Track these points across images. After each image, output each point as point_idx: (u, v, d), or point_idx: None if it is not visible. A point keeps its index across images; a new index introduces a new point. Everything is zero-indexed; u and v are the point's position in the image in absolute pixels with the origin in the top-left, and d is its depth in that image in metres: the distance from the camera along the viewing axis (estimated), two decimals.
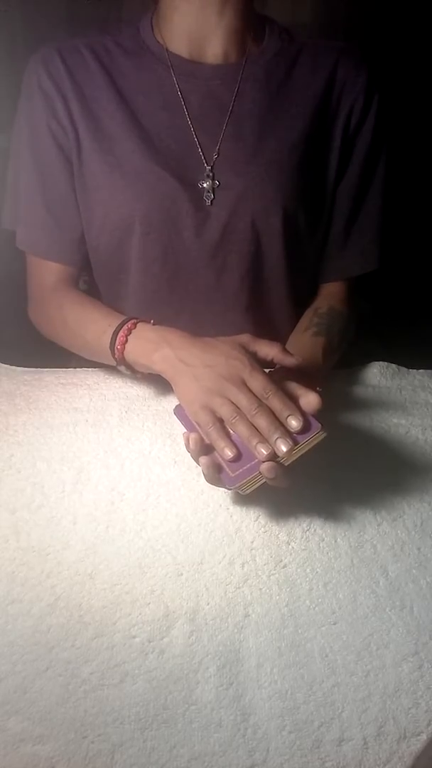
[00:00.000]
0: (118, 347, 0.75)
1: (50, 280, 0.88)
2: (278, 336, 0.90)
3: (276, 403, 0.63)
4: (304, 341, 0.83)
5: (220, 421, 0.64)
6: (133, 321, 0.76)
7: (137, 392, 0.82)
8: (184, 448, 0.72)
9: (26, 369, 0.87)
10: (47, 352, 0.89)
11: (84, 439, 0.74)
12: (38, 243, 0.86)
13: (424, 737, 0.51)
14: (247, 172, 0.80)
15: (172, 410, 0.75)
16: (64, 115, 0.81)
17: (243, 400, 0.63)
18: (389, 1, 1.40)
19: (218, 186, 0.80)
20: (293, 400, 0.65)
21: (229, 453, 0.62)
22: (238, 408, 0.63)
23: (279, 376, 0.74)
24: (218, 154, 0.81)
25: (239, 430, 0.63)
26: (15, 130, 0.85)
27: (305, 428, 0.62)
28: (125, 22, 0.86)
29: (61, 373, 0.86)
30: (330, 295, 0.91)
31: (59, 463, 0.71)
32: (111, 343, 0.76)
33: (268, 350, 0.68)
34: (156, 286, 0.84)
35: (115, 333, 0.76)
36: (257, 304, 0.87)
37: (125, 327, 0.75)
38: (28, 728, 0.50)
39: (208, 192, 0.80)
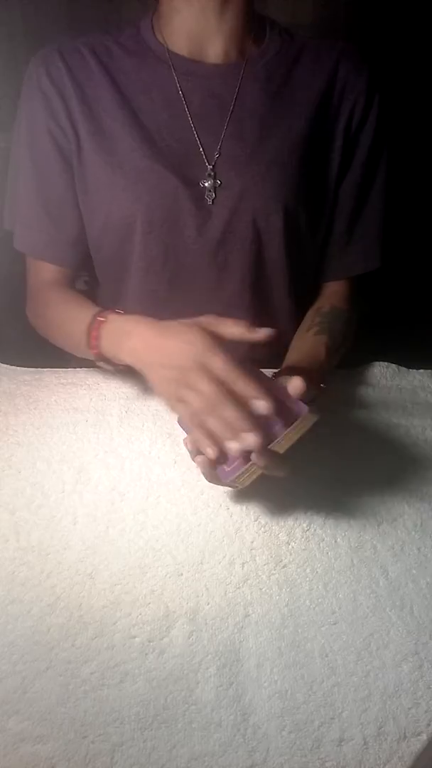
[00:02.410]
0: (93, 342, 0.74)
1: (44, 279, 0.88)
2: (280, 335, 0.90)
3: (240, 386, 0.60)
4: (307, 340, 0.83)
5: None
6: (102, 315, 0.74)
7: (137, 392, 0.82)
8: (183, 448, 0.72)
9: (26, 369, 0.87)
10: (47, 352, 0.89)
11: (84, 439, 0.74)
12: (35, 244, 0.87)
13: (424, 737, 0.51)
14: (248, 172, 0.80)
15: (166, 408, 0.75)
16: (64, 117, 0.81)
17: (206, 389, 0.60)
18: (389, 1, 1.40)
19: (219, 185, 0.80)
20: (280, 389, 0.63)
21: (210, 453, 0.60)
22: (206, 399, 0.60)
23: (283, 375, 0.74)
24: (219, 154, 0.81)
25: (211, 426, 0.60)
26: (15, 131, 0.86)
27: (288, 412, 0.61)
28: (125, 22, 0.86)
29: (61, 373, 0.86)
30: (332, 294, 0.92)
31: (59, 463, 0.71)
32: (87, 340, 0.75)
33: (234, 329, 0.64)
34: (157, 285, 0.84)
35: (88, 331, 0.74)
36: (258, 303, 0.87)
37: (95, 323, 0.74)
38: (28, 728, 0.50)
39: (210, 191, 0.80)
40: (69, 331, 0.81)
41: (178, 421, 0.73)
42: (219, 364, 0.61)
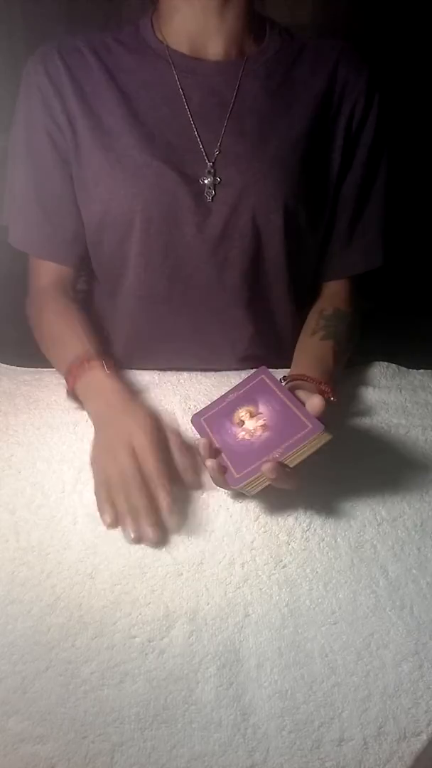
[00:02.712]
0: (70, 381, 0.77)
1: (44, 281, 0.88)
2: (279, 332, 0.90)
3: (149, 471, 0.65)
4: (313, 346, 0.84)
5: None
6: (87, 360, 0.77)
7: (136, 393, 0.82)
8: None
9: (26, 369, 0.87)
10: None
11: (84, 439, 0.74)
12: (31, 241, 0.87)
13: (424, 737, 0.51)
14: (248, 169, 0.80)
15: (170, 411, 0.76)
16: (61, 115, 0.81)
17: (129, 473, 0.65)
18: (389, 1, 1.39)
19: (219, 182, 0.80)
20: (298, 403, 0.65)
21: (107, 519, 0.64)
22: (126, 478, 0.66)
23: (292, 382, 0.75)
24: (219, 151, 0.81)
25: (117, 504, 0.65)
26: (13, 129, 0.86)
27: (303, 427, 0.62)
28: (126, 21, 0.86)
29: None
30: (334, 295, 0.92)
31: (59, 463, 0.71)
32: (66, 372, 0.78)
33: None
34: (156, 282, 0.84)
35: (70, 366, 0.78)
36: (258, 300, 0.87)
37: (79, 364, 0.77)
38: (28, 728, 0.50)
39: (209, 188, 0.80)
40: (52, 349, 0.85)
41: (191, 421, 0.73)
42: (142, 442, 0.67)
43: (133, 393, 0.79)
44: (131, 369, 0.85)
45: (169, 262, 0.83)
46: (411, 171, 1.17)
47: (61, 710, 0.51)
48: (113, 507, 0.65)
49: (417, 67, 1.42)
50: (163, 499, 0.64)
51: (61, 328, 0.84)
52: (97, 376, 0.77)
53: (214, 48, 0.82)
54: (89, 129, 0.80)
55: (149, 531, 0.62)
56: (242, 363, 0.89)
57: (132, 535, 0.62)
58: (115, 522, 0.64)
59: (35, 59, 0.82)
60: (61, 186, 0.84)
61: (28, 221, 0.86)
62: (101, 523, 0.65)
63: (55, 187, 0.84)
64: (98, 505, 0.66)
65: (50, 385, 0.83)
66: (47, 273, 0.88)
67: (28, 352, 0.90)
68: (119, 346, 0.90)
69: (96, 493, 0.67)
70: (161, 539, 0.62)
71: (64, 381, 0.83)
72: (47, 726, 0.51)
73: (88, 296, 0.95)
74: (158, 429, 0.70)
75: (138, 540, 0.62)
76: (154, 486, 0.65)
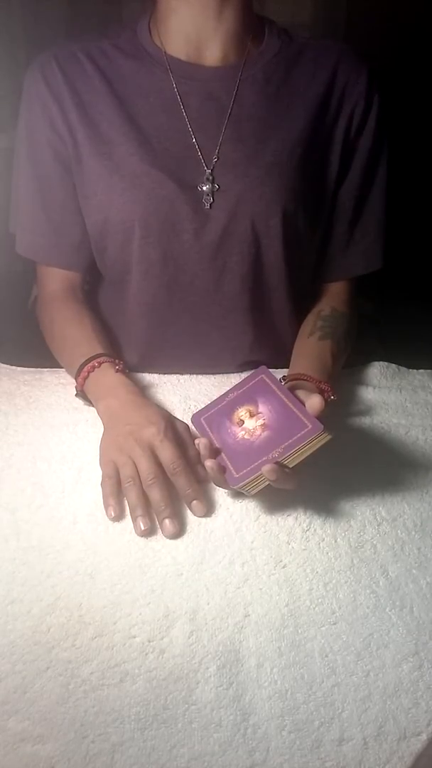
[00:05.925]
0: (80, 380, 0.78)
1: (53, 287, 0.89)
2: (279, 337, 0.90)
3: (181, 481, 0.66)
4: (311, 346, 0.84)
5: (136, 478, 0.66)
6: (98, 360, 0.78)
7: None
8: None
9: (26, 369, 0.87)
10: (47, 352, 0.89)
11: (84, 439, 0.74)
12: (38, 249, 0.87)
13: (424, 737, 0.51)
14: (247, 175, 0.80)
15: (171, 411, 0.76)
16: (62, 124, 0.81)
17: (143, 466, 0.66)
18: (389, 1, 1.39)
19: (218, 189, 0.80)
20: (297, 402, 0.65)
21: (111, 513, 0.65)
22: (137, 472, 0.66)
23: (291, 382, 0.75)
24: (218, 158, 0.80)
25: (129, 497, 0.66)
26: (16, 137, 0.86)
27: (303, 427, 0.62)
28: (125, 22, 0.86)
29: (61, 373, 0.86)
30: (332, 296, 0.91)
31: (59, 463, 0.71)
32: (77, 373, 0.79)
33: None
34: (156, 288, 0.84)
35: (81, 366, 0.79)
36: (258, 306, 0.87)
37: (90, 364, 0.78)
38: (28, 728, 0.50)
39: (207, 195, 0.80)
40: (62, 351, 0.86)
41: (192, 420, 0.74)
42: (167, 453, 0.67)
43: (144, 391, 0.79)
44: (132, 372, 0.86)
45: (169, 270, 0.83)
46: (411, 172, 1.17)
47: (61, 710, 0.51)
48: (118, 501, 0.66)
49: (417, 68, 1.42)
50: (195, 488, 0.66)
51: (73, 331, 0.85)
52: (108, 375, 0.78)
53: (212, 51, 0.81)
54: (88, 138, 0.81)
55: (167, 523, 0.63)
56: (242, 368, 0.89)
57: (142, 527, 0.63)
58: (119, 516, 0.65)
59: (34, 68, 0.82)
60: (65, 194, 0.84)
61: (34, 229, 0.87)
62: (101, 523, 0.65)
63: (59, 195, 0.84)
64: (103, 498, 0.66)
65: (50, 385, 0.84)
66: (55, 279, 0.89)
67: (28, 352, 0.90)
68: (121, 350, 0.91)
69: (102, 486, 0.67)
70: (179, 532, 0.63)
71: (64, 381, 0.84)
72: (47, 726, 0.51)
73: (90, 297, 0.95)
74: (172, 424, 0.71)
75: (148, 533, 0.63)
76: (177, 477, 0.66)
